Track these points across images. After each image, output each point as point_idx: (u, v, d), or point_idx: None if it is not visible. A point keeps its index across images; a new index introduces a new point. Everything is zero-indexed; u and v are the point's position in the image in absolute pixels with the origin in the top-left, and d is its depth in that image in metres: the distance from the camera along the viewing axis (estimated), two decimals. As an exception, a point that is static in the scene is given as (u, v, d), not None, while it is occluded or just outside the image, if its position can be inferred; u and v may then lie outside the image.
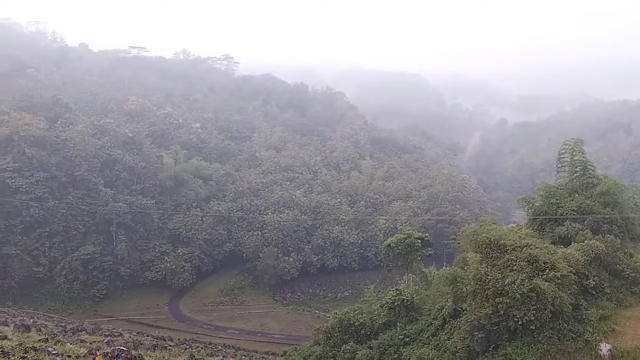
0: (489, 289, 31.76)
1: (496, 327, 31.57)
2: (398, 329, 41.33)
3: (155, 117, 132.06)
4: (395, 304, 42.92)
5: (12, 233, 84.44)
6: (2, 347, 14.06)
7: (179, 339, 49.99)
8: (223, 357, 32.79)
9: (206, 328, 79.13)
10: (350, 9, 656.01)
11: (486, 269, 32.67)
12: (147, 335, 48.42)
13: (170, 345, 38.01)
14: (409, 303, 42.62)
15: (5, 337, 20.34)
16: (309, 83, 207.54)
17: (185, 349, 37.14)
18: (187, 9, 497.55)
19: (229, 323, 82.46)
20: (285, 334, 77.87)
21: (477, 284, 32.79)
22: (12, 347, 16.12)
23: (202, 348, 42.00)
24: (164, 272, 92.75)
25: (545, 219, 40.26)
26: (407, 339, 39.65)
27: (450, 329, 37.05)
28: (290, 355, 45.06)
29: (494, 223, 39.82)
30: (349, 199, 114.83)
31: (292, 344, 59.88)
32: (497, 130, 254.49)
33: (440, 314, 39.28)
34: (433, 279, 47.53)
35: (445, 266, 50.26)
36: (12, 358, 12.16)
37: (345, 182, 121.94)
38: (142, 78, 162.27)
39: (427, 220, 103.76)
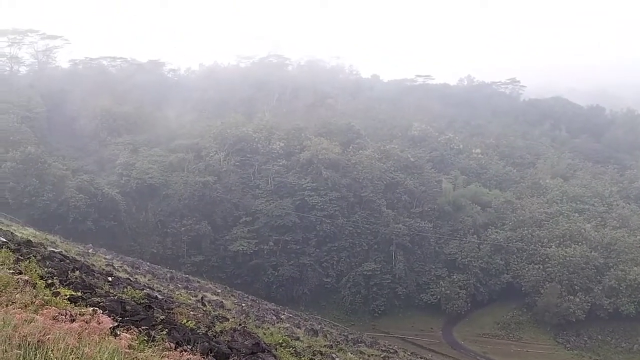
0: None
1: None
2: None
3: (437, 142, 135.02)
4: None
5: (307, 245, 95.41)
6: (295, 347, 15.87)
7: (451, 366, 49.50)
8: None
9: (479, 360, 76.85)
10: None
11: None
12: (421, 357, 49.16)
13: (442, 372, 37.82)
14: None
15: (298, 339, 22.91)
16: (607, 105, 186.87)
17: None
18: (474, 35, 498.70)
19: (505, 359, 78.43)
20: (568, 381, 70.58)
21: None
22: (303, 348, 18.07)
23: (474, 380, 40.82)
24: (438, 296, 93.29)
25: None
26: None
27: None
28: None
29: None
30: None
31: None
32: None
33: None
34: None
35: None
36: (303, 358, 13.63)
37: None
38: (426, 105, 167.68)
39: None
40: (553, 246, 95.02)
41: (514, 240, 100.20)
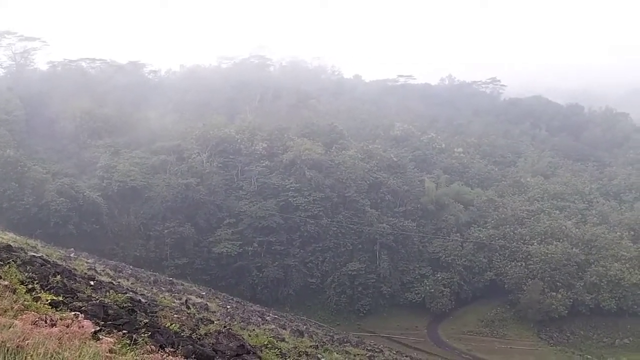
0: None
1: None
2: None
3: (419, 142, 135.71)
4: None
5: (292, 246, 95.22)
6: (280, 349, 15.81)
7: (436, 364, 49.79)
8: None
9: (465, 357, 77.18)
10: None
11: None
12: (407, 356, 49.33)
13: (427, 370, 38.01)
14: None
15: (283, 340, 22.83)
16: (586, 104, 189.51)
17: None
18: (454, 34, 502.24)
19: (489, 356, 78.83)
20: (552, 377, 71.24)
21: None
22: (289, 349, 18.01)
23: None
24: (423, 295, 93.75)
25: None
26: None
27: None
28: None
29: None
30: (632, 233, 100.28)
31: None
32: None
33: None
34: None
35: None
36: (289, 359, 13.60)
37: (627, 213, 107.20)
38: (408, 104, 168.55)
39: None
40: (535, 243, 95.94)
41: (497, 238, 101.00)
